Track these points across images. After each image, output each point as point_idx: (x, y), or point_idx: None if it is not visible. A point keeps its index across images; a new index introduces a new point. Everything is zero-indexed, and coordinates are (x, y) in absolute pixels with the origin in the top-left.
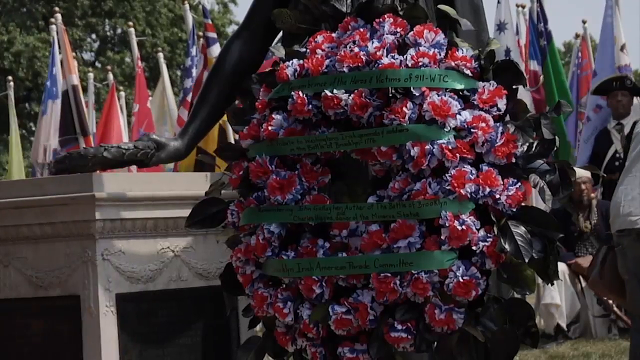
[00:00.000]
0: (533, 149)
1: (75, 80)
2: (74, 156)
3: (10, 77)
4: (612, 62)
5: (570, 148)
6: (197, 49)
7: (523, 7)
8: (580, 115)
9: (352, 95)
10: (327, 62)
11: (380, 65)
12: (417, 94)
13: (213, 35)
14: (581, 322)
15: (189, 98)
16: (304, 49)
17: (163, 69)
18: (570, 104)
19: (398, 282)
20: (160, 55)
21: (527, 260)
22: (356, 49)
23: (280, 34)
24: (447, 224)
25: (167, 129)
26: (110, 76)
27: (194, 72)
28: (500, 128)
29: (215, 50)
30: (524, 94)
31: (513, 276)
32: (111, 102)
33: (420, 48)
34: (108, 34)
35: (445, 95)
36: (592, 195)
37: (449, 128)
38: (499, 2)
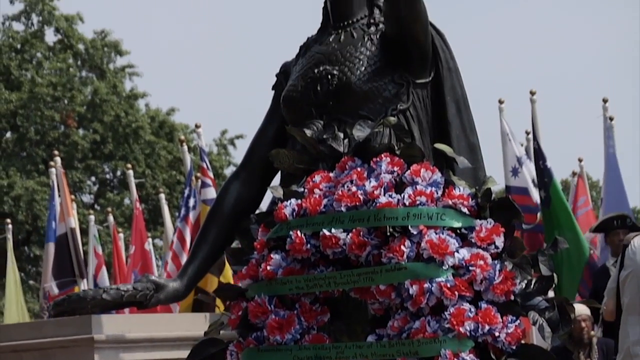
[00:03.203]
0: (532, 286)
1: (73, 223)
2: (73, 298)
3: (8, 220)
4: (623, 200)
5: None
6: (194, 191)
7: (521, 144)
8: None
9: (350, 234)
10: (325, 201)
11: (377, 204)
12: (414, 233)
13: (207, 180)
14: None
15: (175, 238)
16: (302, 189)
17: (164, 210)
18: (584, 246)
19: None
20: (162, 196)
21: None
22: (354, 188)
23: (279, 173)
24: None
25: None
26: (111, 218)
27: (191, 214)
28: (499, 265)
29: (209, 193)
30: None
31: None
32: (116, 244)
33: (418, 187)
34: (107, 176)
35: (443, 234)
36: (593, 332)
37: (447, 266)
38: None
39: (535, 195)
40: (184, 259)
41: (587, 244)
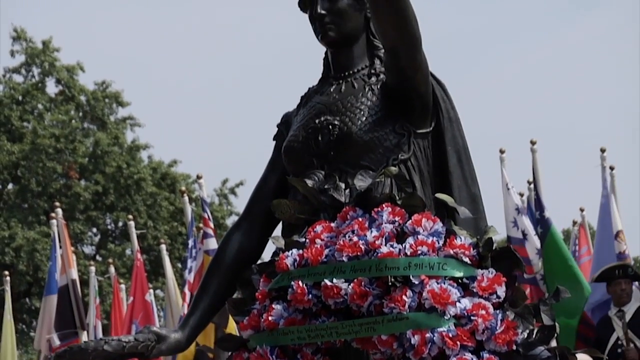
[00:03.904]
0: (534, 335)
1: (74, 274)
2: (75, 350)
3: (7, 272)
4: (611, 250)
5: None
6: (196, 241)
7: (522, 195)
8: None
9: (351, 284)
10: (326, 251)
11: (379, 254)
12: (416, 282)
13: (209, 230)
14: None
15: (186, 290)
16: (304, 239)
17: (166, 261)
18: (585, 286)
19: None
20: (163, 247)
21: None
22: (355, 238)
23: (280, 224)
24: None
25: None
26: (112, 269)
27: (193, 265)
28: (500, 315)
29: (211, 244)
30: None
31: None
32: (116, 295)
33: (419, 236)
34: (109, 227)
35: (444, 283)
36: None
37: (449, 316)
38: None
39: (529, 246)
40: None
41: (586, 293)
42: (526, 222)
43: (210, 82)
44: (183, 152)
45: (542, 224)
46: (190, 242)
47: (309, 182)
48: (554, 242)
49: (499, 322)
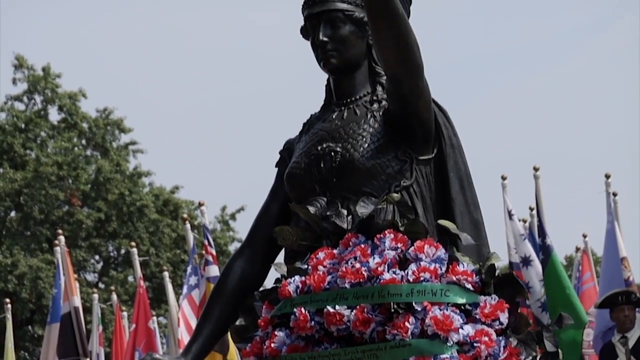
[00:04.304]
0: None
1: (77, 302)
2: None
3: (7, 300)
4: (619, 276)
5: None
6: (197, 269)
7: (525, 221)
8: (591, 324)
9: (354, 311)
10: (329, 278)
11: (381, 281)
12: (419, 309)
13: (210, 257)
14: None
15: (179, 315)
16: (306, 266)
17: (168, 288)
18: (582, 317)
19: None
20: (166, 274)
21: None
22: (357, 265)
23: (283, 250)
24: None
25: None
26: (114, 296)
27: (193, 292)
28: (503, 342)
29: (213, 271)
30: None
31: None
32: (119, 322)
33: (421, 263)
34: (111, 254)
35: (447, 310)
36: None
37: (451, 342)
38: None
39: (532, 271)
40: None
41: (584, 322)
42: (529, 248)
43: (212, 108)
44: (185, 177)
45: (544, 251)
46: (189, 269)
47: (311, 209)
48: (554, 270)
49: (502, 349)
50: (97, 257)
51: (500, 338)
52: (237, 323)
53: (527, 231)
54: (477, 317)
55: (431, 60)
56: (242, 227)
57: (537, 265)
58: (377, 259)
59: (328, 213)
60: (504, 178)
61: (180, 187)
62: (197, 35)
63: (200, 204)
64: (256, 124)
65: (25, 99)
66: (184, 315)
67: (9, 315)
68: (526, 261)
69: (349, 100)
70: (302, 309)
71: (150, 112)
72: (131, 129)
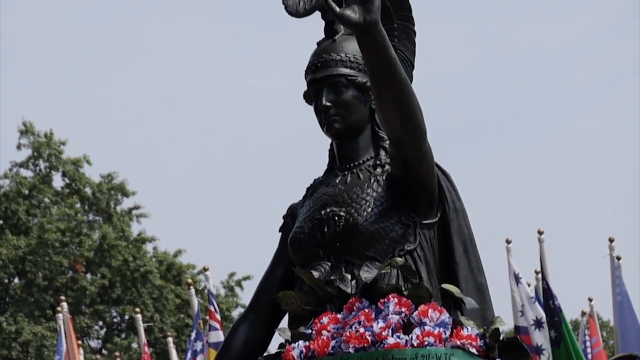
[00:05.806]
0: None
1: None
2: None
3: None
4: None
5: None
6: (200, 334)
7: (529, 284)
8: None
9: None
10: (333, 343)
11: (386, 345)
12: None
13: (215, 323)
14: None
15: None
16: (310, 331)
17: (172, 353)
18: None
19: None
20: (170, 340)
21: None
22: (362, 330)
23: (286, 315)
24: None
25: None
26: None
27: (198, 358)
28: None
29: (216, 336)
30: None
31: None
32: None
33: (426, 327)
34: (115, 320)
35: None
36: None
37: None
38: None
39: (535, 335)
40: None
41: None
42: (540, 310)
43: (216, 174)
44: (189, 241)
45: (557, 313)
46: (193, 334)
47: (315, 274)
48: (569, 331)
49: None
50: (100, 324)
51: None
52: None
53: (533, 295)
54: None
55: (434, 124)
56: (248, 295)
57: (545, 328)
58: (381, 324)
59: (332, 277)
60: (508, 242)
61: (184, 250)
62: (201, 97)
63: (204, 269)
64: (263, 186)
65: (30, 165)
66: None
67: None
68: (538, 323)
69: (352, 164)
70: None
71: (154, 175)
72: (134, 192)
